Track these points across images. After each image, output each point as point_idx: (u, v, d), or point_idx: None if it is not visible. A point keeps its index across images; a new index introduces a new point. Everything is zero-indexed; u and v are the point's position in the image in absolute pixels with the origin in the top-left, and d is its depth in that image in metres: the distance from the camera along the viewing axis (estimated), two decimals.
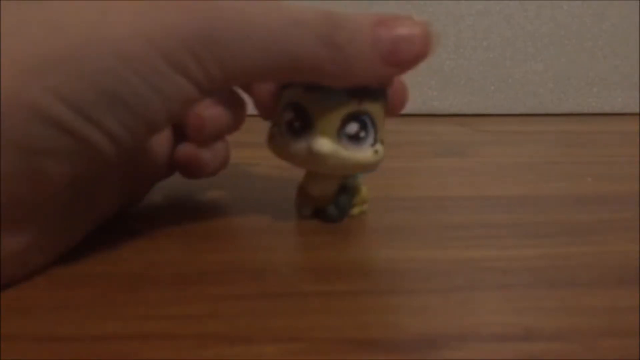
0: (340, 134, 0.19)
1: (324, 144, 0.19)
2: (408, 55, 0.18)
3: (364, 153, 0.19)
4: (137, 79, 0.15)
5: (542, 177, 0.28)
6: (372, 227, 0.21)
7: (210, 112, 0.22)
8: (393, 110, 0.21)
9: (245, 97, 0.23)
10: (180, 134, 0.23)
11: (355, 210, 0.22)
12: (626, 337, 0.14)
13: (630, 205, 0.24)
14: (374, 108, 0.19)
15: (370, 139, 0.19)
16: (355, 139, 0.19)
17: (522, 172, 0.30)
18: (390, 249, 0.19)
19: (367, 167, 0.20)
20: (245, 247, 0.19)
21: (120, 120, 0.15)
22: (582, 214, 0.23)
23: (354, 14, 0.17)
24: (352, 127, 0.19)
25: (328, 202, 0.21)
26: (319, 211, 0.22)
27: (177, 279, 0.17)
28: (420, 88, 0.48)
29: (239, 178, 0.28)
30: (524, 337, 0.14)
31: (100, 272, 0.17)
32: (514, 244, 0.20)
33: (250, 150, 0.33)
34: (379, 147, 0.20)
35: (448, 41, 0.48)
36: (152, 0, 0.15)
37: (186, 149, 0.22)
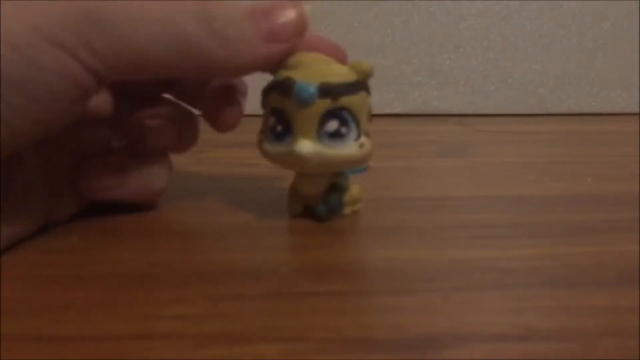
0: (320, 133, 0.19)
1: (305, 145, 0.19)
2: (287, 35, 0.19)
3: (348, 149, 0.20)
4: (28, 64, 0.16)
5: (542, 177, 0.28)
6: (371, 227, 0.21)
7: (154, 122, 0.22)
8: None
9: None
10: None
11: (347, 210, 0.22)
12: (626, 337, 0.14)
13: (630, 205, 0.24)
14: (352, 102, 0.19)
15: (354, 134, 0.20)
16: (336, 136, 0.19)
17: (522, 172, 0.30)
18: (390, 249, 0.19)
19: (355, 162, 0.20)
20: (245, 247, 0.19)
21: (15, 107, 0.16)
22: (582, 214, 0.23)
23: (227, 4, 0.19)
24: (332, 125, 0.19)
25: (318, 201, 0.21)
26: (309, 210, 0.22)
27: (177, 279, 0.17)
28: (420, 88, 0.48)
29: (237, 178, 0.28)
30: (524, 337, 0.14)
31: (100, 272, 0.17)
32: (514, 244, 0.20)
33: (249, 151, 0.33)
34: (364, 140, 0.20)
35: (448, 41, 0.48)
36: None
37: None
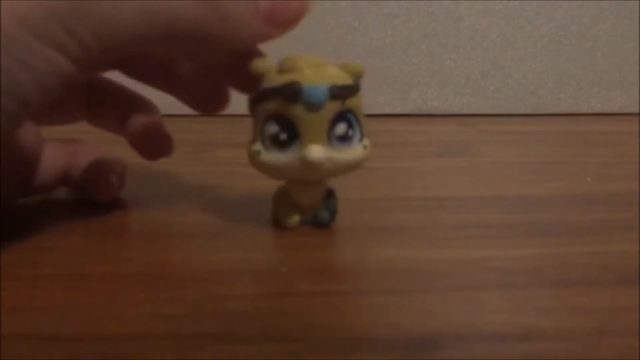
0: (330, 137, 0.19)
1: (317, 151, 0.18)
2: (286, 18, 0.19)
3: (354, 151, 0.19)
4: (4, 55, 0.15)
5: (542, 177, 0.28)
6: (372, 227, 0.21)
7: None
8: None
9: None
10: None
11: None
12: (626, 337, 0.14)
13: (630, 205, 0.24)
14: (355, 104, 0.19)
15: (358, 135, 0.19)
16: (344, 139, 0.19)
17: (522, 172, 0.30)
18: (390, 249, 0.19)
19: (360, 164, 0.20)
20: (245, 247, 0.19)
21: None
22: (582, 214, 0.23)
23: None
24: (341, 128, 0.19)
25: (316, 208, 0.21)
26: (309, 218, 0.21)
27: (177, 279, 0.17)
28: (420, 88, 0.48)
29: (237, 178, 0.28)
30: (524, 337, 0.14)
31: (100, 272, 0.17)
32: (514, 244, 0.20)
33: None
34: (366, 141, 0.20)
35: (448, 41, 0.48)
36: None
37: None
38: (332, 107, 0.19)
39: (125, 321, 0.14)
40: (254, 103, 0.20)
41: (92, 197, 0.23)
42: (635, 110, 0.49)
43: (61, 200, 0.24)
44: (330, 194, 0.21)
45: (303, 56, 0.19)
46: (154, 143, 0.22)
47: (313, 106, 0.18)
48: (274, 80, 0.19)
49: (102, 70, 0.23)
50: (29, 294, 0.16)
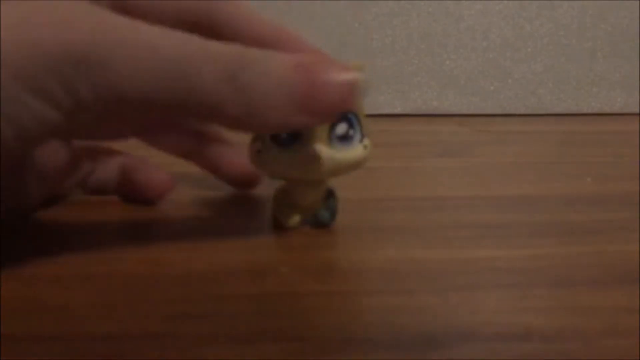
0: (331, 137, 0.19)
1: (321, 150, 0.18)
2: (324, 105, 0.16)
3: (355, 151, 0.19)
4: (3, 117, 0.14)
5: (542, 177, 0.28)
6: (371, 227, 0.21)
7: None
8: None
9: None
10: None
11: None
12: (626, 337, 0.14)
13: (630, 205, 0.24)
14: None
15: (358, 135, 0.20)
16: (345, 138, 0.19)
17: (522, 172, 0.30)
18: (390, 249, 0.19)
19: (360, 164, 0.20)
20: (245, 247, 0.19)
21: None
22: (582, 214, 0.23)
23: (274, 54, 0.16)
24: (342, 128, 0.19)
25: (316, 208, 0.21)
26: (308, 218, 0.21)
27: (177, 279, 0.17)
28: (420, 88, 0.48)
29: None
30: (524, 337, 0.14)
31: (100, 272, 0.17)
32: (514, 244, 0.20)
33: None
34: (366, 141, 0.20)
35: (448, 41, 0.48)
36: (29, 13, 0.14)
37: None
38: None
39: (125, 321, 0.14)
40: None
41: (143, 197, 0.23)
42: (635, 110, 0.49)
43: (61, 201, 0.24)
44: (330, 194, 0.21)
45: None
46: (248, 182, 0.24)
47: None
48: None
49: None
50: (29, 294, 0.16)
